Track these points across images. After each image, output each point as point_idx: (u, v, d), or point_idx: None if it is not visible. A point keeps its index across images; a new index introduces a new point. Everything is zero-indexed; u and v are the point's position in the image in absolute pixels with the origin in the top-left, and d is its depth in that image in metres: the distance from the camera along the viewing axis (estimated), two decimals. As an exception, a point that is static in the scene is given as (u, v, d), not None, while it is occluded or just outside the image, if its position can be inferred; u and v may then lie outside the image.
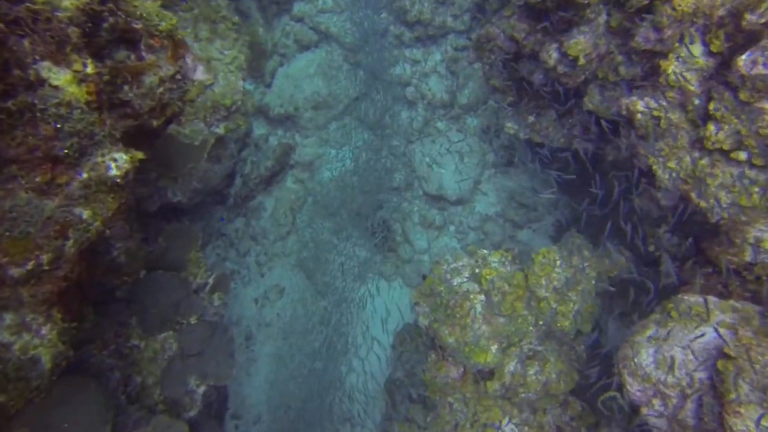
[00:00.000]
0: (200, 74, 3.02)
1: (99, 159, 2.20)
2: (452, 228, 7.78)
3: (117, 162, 2.25)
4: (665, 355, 3.43)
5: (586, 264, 5.18)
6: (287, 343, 7.88)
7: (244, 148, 8.17)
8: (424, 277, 5.10)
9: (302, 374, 7.68)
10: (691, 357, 3.30)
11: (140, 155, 2.38)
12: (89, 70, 2.13)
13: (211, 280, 5.52)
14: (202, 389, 5.17)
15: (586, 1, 3.92)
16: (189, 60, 2.88)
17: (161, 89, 2.72)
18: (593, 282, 5.15)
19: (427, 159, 7.69)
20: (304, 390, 7.65)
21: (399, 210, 7.82)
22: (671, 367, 3.34)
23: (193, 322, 5.14)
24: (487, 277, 4.40)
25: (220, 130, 5.59)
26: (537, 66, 4.89)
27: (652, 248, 5.13)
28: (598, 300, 5.23)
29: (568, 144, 5.60)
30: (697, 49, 3.71)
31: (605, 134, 5.09)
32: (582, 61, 4.28)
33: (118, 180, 2.26)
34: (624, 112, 4.44)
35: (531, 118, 5.54)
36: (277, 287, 8.01)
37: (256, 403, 7.52)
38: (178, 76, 2.82)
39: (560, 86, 4.93)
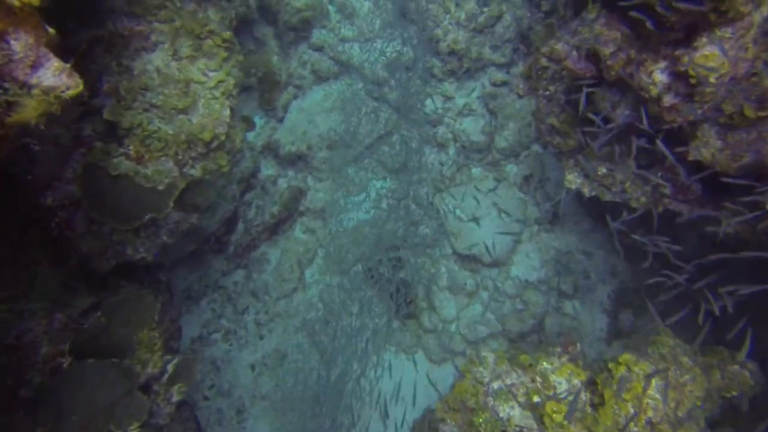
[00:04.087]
0: (51, 77, 1.55)
1: None
2: (485, 295, 5.98)
3: None
4: None
5: (687, 377, 3.33)
6: (285, 422, 6.11)
7: (249, 190, 6.59)
8: (454, 388, 3.31)
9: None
10: None
11: None
12: None
13: (170, 368, 3.83)
14: None
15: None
16: (19, 44, 1.29)
17: None
18: (700, 405, 3.29)
19: (459, 211, 5.96)
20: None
21: (423, 270, 6.07)
22: None
23: (133, 432, 3.44)
24: (553, 415, 2.60)
25: (196, 171, 3.99)
26: (623, 97, 3.17)
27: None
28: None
29: (653, 205, 3.82)
30: None
31: (718, 195, 3.31)
32: (713, 84, 2.55)
33: None
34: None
35: (602, 170, 3.78)
36: (277, 353, 6.28)
37: (240, 499, 5.73)
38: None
39: (651, 126, 3.20)
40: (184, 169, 3.93)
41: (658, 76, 2.72)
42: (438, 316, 5.97)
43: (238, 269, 6.55)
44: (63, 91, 1.61)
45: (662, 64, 2.71)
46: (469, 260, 5.99)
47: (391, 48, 6.40)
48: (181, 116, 3.98)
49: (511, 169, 6.13)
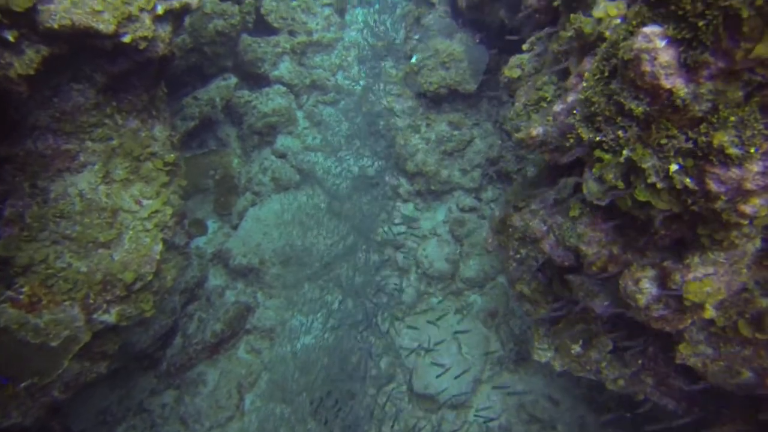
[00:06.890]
0: None
1: None
2: (441, 439, 5.27)
3: None
4: None
5: None
6: None
7: (193, 301, 5.90)
8: None
9: None
10: None
11: None
12: None
13: None
14: None
15: (744, 221, 1.86)
16: None
17: None
18: None
19: (417, 345, 5.36)
20: None
21: (375, 408, 5.36)
22: None
23: None
24: None
25: (110, 317, 3.32)
26: (603, 288, 2.74)
27: None
28: None
29: (632, 390, 3.30)
30: None
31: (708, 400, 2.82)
32: (710, 312, 2.11)
33: None
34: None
35: (576, 348, 3.29)
36: (201, 497, 5.35)
37: None
38: None
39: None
40: (94, 315, 3.26)
41: (646, 286, 2.30)
42: (388, 463, 5.20)
43: (168, 389, 5.70)
44: None
45: (650, 274, 2.29)
46: (425, 400, 5.32)
47: (356, 162, 6.02)
48: (101, 251, 3.37)
49: (476, 300, 5.63)
